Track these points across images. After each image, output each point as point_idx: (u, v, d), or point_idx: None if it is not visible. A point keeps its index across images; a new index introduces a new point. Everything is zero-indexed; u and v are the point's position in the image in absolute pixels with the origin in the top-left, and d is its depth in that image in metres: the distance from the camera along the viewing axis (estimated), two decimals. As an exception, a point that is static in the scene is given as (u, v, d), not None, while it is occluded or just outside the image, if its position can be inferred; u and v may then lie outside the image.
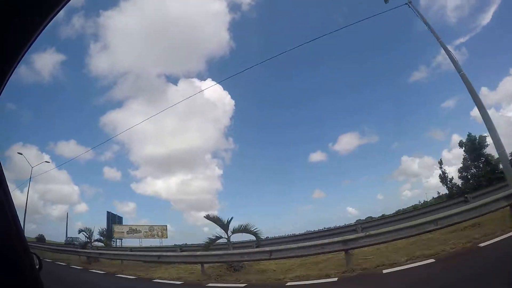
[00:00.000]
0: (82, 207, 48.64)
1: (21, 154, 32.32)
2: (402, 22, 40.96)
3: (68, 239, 33.37)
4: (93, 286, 9.47)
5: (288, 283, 6.79)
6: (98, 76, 61.19)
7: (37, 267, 1.51)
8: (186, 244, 31.26)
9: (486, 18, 38.48)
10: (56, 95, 50.77)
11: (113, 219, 44.52)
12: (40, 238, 37.24)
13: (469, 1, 36.64)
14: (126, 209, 48.43)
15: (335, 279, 6.44)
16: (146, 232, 44.17)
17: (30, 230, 39.48)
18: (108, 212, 44.19)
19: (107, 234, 39.53)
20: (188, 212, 52.33)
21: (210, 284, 7.97)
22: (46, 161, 36.08)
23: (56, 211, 49.67)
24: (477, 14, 41.37)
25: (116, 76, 57.20)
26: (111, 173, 50.48)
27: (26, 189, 45.05)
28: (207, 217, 10.76)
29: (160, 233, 44.82)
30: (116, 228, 41.95)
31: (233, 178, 49.81)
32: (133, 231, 43.33)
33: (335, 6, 46.54)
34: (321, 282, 6.38)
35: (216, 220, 10.64)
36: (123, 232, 42.17)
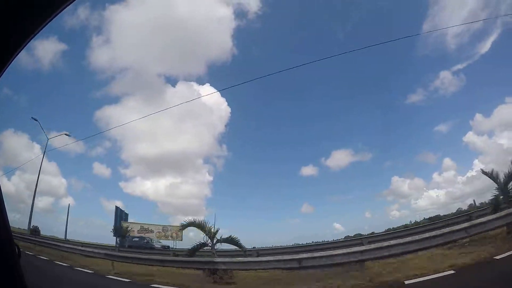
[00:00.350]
0: (68, 200, 45.48)
1: (36, 120, 27.06)
2: (405, 43, 42.46)
3: (136, 239, 26.40)
4: None
5: None
6: (97, 70, 57.51)
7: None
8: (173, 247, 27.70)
9: (485, 46, 38.19)
10: (53, 84, 46.76)
11: (121, 216, 37.98)
12: (35, 230, 29.85)
13: (469, 30, 36.41)
14: (112, 208, 43.29)
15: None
16: (159, 232, 38.28)
17: (15, 220, 33.70)
18: (116, 207, 37.46)
19: (117, 232, 33.26)
20: (174, 216, 50.02)
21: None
22: (65, 134, 30.01)
23: (42, 203, 43.21)
24: (476, 42, 40.64)
25: (115, 71, 53.64)
26: (101, 169, 46.22)
27: (13, 177, 39.34)
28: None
29: (174, 235, 39.36)
30: (126, 226, 35.64)
31: (223, 185, 46.87)
32: (144, 230, 37.05)
33: (340, 24, 46.69)
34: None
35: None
36: (134, 230, 35.89)
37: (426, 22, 37.33)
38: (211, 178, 44.08)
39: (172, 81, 56.50)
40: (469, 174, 35.85)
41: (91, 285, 9.35)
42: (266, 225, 43.81)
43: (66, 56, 45.84)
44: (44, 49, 44.35)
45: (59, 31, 43.06)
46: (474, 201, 25.97)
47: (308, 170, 43.29)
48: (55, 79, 45.79)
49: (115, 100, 54.17)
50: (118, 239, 29.01)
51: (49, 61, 45.81)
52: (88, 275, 11.02)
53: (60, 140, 39.12)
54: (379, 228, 28.88)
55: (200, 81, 53.11)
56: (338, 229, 37.19)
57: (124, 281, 9.72)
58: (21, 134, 42.40)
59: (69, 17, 44.52)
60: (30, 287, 1.61)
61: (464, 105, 41.56)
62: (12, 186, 39.39)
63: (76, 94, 50.19)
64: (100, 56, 49.49)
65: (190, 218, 11.21)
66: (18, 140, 41.43)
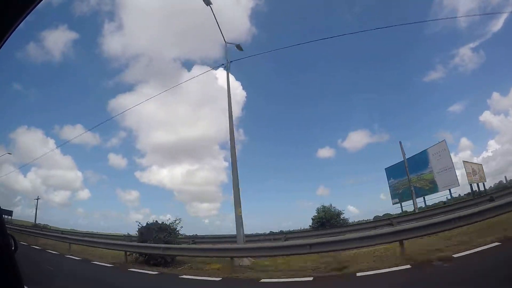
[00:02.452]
0: (84, 193, 45.19)
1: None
2: (419, 20, 40.05)
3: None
4: None
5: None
6: (110, 57, 55.48)
7: (13, 248, 1.54)
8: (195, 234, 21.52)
9: (497, 24, 36.35)
10: (65, 75, 46.93)
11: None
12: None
13: (480, 7, 35.02)
14: (129, 198, 46.56)
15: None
16: (469, 173, 25.21)
17: (32, 215, 38.36)
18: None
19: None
20: (190, 203, 48.13)
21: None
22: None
23: (58, 197, 46.49)
24: (488, 21, 36.69)
25: (129, 58, 50.86)
26: (117, 160, 46.50)
27: (29, 174, 41.92)
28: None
29: (482, 175, 26.59)
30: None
31: (240, 170, 42.70)
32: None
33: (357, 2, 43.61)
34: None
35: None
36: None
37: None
38: (227, 164, 42.24)
39: (188, 65, 52.82)
40: (484, 155, 35.53)
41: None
42: (283, 209, 42.76)
43: (77, 45, 44.13)
44: (54, 39, 44.08)
45: (69, 19, 41.53)
46: (505, 177, 27.37)
47: (324, 152, 43.18)
48: (66, 70, 44.70)
49: (129, 88, 53.78)
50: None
51: (59, 51, 44.90)
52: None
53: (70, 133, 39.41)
54: (396, 210, 27.89)
55: (217, 65, 50.87)
56: (352, 212, 37.62)
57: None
58: (35, 130, 43.21)
59: (79, 4, 43.51)
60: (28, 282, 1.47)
61: (481, 83, 39.79)
62: (28, 182, 41.48)
63: (89, 84, 48.89)
64: (113, 43, 48.25)
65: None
66: (32, 136, 42.01)
